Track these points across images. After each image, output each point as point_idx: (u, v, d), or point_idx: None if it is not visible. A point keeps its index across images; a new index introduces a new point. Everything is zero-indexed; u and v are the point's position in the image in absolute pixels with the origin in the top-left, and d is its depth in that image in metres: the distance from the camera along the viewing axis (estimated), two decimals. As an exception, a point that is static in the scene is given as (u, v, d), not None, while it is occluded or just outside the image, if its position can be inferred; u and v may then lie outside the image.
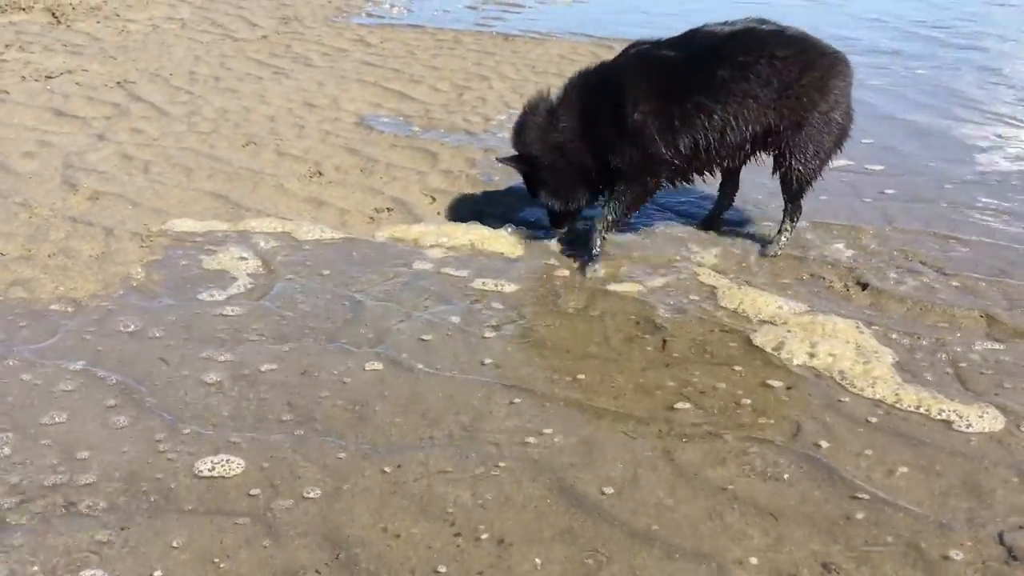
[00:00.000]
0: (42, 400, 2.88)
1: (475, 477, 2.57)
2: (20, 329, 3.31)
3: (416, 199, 4.69)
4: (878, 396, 3.00)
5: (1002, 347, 3.30)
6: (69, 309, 3.47)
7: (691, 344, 3.33)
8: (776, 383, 3.08)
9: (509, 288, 3.77)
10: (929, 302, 3.62)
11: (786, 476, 2.60)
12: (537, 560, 2.27)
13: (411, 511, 2.44)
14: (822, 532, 2.38)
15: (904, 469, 2.63)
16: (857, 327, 3.40)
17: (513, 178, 5.00)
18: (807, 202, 4.11)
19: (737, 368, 3.16)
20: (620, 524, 2.40)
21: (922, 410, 2.92)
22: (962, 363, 3.20)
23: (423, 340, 3.32)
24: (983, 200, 4.75)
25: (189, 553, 2.27)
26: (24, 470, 2.55)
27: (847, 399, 2.98)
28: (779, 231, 4.12)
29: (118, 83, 6.60)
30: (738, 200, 4.44)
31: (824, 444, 2.74)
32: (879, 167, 5.26)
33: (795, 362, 3.20)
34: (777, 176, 4.04)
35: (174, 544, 2.30)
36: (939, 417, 2.88)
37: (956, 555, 2.30)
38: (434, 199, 4.69)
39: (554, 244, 4.22)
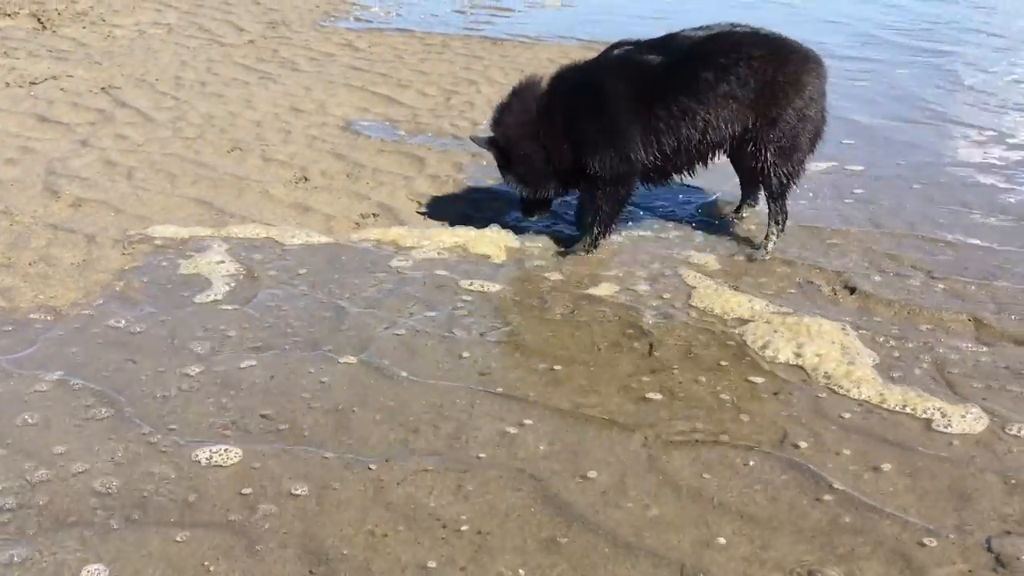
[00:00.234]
0: (16, 409, 2.84)
1: (458, 486, 2.54)
2: (-2, 338, 3.27)
3: (402, 204, 4.66)
4: (864, 398, 2.98)
5: (990, 351, 3.29)
6: (49, 318, 3.43)
7: (678, 349, 3.30)
8: (763, 389, 3.06)
9: (495, 293, 3.74)
10: (917, 306, 3.60)
11: (772, 482, 2.58)
12: (521, 571, 2.24)
13: (393, 521, 2.40)
14: (808, 539, 2.36)
15: (891, 474, 2.61)
16: (843, 330, 3.38)
17: (500, 183, 4.98)
18: (794, 206, 4.09)
19: (724, 373, 3.14)
20: (605, 533, 2.37)
21: (907, 411, 2.90)
22: (950, 367, 3.18)
23: (407, 346, 3.29)
24: (970, 202, 4.74)
25: (166, 564, 2.23)
26: (-1, 483, 2.51)
27: (834, 404, 2.96)
28: (766, 235, 4.11)
29: (103, 89, 6.55)
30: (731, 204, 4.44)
31: (810, 450, 2.72)
32: (859, 167, 5.25)
33: (782, 367, 3.18)
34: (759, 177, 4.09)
35: (151, 554, 2.26)
36: (928, 423, 2.86)
37: (942, 561, 2.28)
38: (421, 204, 4.66)
39: (541, 248, 4.19)
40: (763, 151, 3.97)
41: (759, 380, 3.10)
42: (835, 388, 3.05)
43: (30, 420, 2.79)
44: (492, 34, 8.85)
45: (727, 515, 2.44)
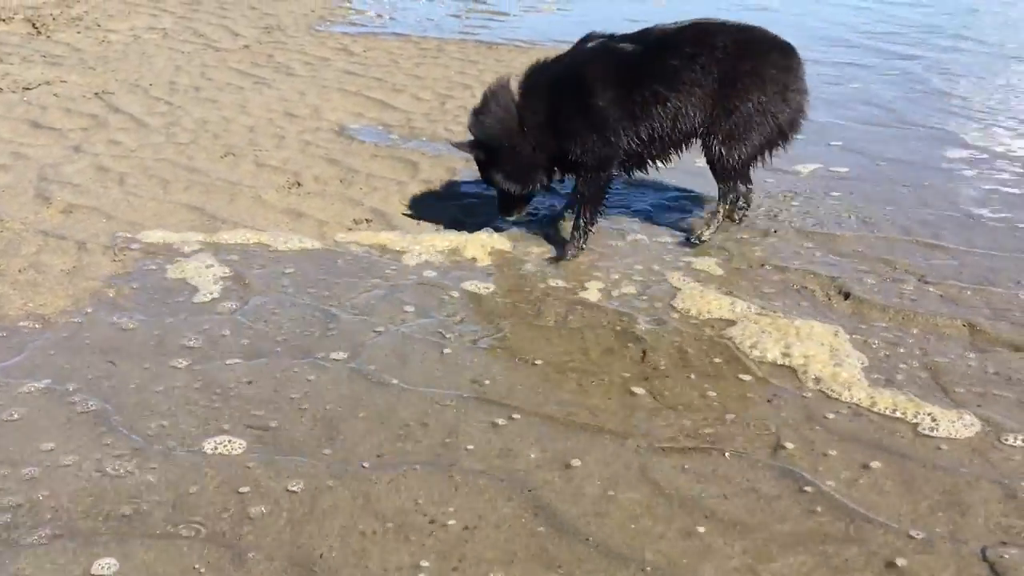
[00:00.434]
0: (2, 416, 2.81)
1: (449, 496, 2.51)
2: (-14, 347, 3.24)
3: (395, 209, 4.64)
4: (860, 405, 2.95)
5: (985, 356, 3.27)
6: (37, 326, 3.40)
7: (671, 356, 3.28)
8: (756, 395, 3.03)
9: (487, 298, 3.72)
10: (911, 311, 3.58)
11: (764, 491, 2.55)
12: (510, 582, 2.22)
13: (381, 531, 2.38)
14: (801, 549, 2.33)
15: (886, 482, 2.59)
16: (836, 334, 3.36)
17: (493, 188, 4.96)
18: (790, 210, 4.07)
19: (716, 379, 3.12)
20: (596, 544, 2.35)
21: (901, 417, 2.88)
22: (944, 373, 3.16)
23: (398, 353, 3.26)
24: (963, 207, 4.72)
25: (154, 573, 2.21)
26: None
27: (828, 411, 2.94)
28: (707, 222, 4.24)
29: (96, 94, 6.53)
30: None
31: (805, 460, 2.70)
32: (843, 169, 5.24)
33: (775, 372, 3.16)
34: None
35: (137, 564, 2.23)
36: (922, 430, 2.84)
37: (936, 571, 2.25)
38: (413, 209, 4.64)
39: (533, 252, 4.17)
40: (712, 139, 4.08)
41: (752, 386, 3.08)
42: (829, 394, 3.02)
43: (15, 425, 2.76)
44: (487, 38, 8.84)
45: (720, 525, 2.42)
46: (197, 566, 2.25)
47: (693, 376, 3.14)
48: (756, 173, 4.43)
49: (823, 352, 3.25)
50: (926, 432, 2.82)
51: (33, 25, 8.65)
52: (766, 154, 4.23)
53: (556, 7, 10.80)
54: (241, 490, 2.52)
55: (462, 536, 2.36)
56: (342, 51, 8.17)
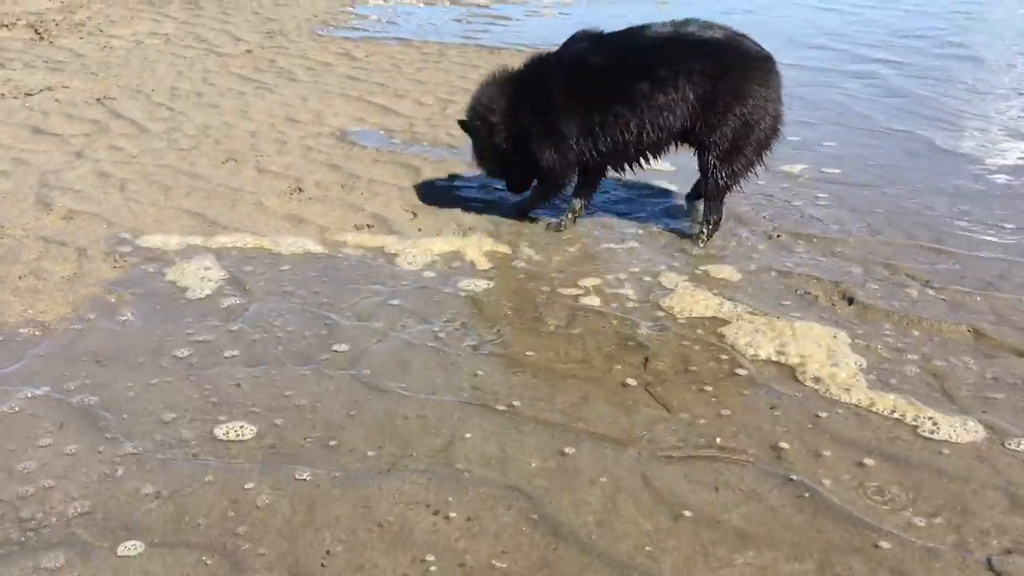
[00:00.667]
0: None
1: (448, 504, 2.49)
2: (-15, 354, 3.23)
3: (397, 215, 4.62)
4: (865, 409, 2.93)
5: (990, 362, 3.24)
6: (37, 333, 3.39)
7: (673, 362, 3.25)
8: (758, 401, 3.01)
9: (487, 304, 3.70)
10: (916, 316, 3.56)
11: (768, 498, 2.53)
12: (510, 591, 2.20)
13: (380, 540, 2.36)
14: (806, 558, 2.31)
15: (891, 490, 2.56)
16: (835, 337, 3.33)
17: (496, 192, 4.95)
18: (792, 213, 4.05)
19: (720, 386, 3.09)
20: (598, 554, 2.32)
21: (903, 422, 2.85)
22: (949, 378, 3.13)
23: (398, 359, 3.24)
24: (967, 211, 4.69)
25: (149, 588, 2.19)
26: (-19, 502, 2.47)
27: (834, 418, 2.91)
28: (697, 235, 4.27)
29: (98, 100, 6.53)
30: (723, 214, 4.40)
31: (808, 467, 2.67)
32: (836, 170, 5.22)
33: (778, 378, 3.14)
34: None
35: (137, 573, 2.22)
36: (925, 435, 2.81)
37: (943, 581, 2.23)
38: (415, 215, 4.63)
39: (535, 259, 4.15)
40: (704, 154, 4.16)
41: (754, 393, 3.05)
42: (834, 399, 3.00)
43: (11, 435, 2.75)
44: (489, 43, 8.84)
45: (723, 534, 2.39)
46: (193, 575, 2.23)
47: (696, 382, 3.12)
48: (756, 173, 4.41)
49: (823, 354, 3.22)
50: (932, 438, 2.79)
51: (36, 31, 8.67)
52: (755, 168, 4.30)
53: (557, 11, 10.81)
54: (240, 497, 2.50)
55: (463, 544, 2.34)
56: (344, 56, 8.17)
